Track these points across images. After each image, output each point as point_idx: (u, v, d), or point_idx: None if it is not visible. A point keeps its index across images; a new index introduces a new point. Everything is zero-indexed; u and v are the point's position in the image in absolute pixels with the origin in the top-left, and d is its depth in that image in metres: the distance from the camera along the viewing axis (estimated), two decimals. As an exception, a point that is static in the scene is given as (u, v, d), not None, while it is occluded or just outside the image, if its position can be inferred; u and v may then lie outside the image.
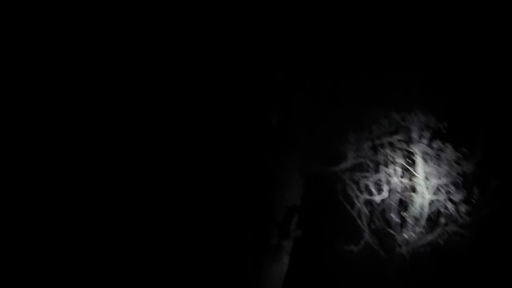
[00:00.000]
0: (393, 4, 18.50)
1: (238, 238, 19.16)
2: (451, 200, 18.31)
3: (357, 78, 18.41)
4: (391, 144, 18.85)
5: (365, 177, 18.81)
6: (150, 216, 19.10)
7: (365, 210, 18.83)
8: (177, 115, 19.10)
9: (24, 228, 18.56)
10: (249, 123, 18.93)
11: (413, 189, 18.73)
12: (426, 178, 18.52)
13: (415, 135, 18.65)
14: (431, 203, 18.53)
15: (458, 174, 18.38)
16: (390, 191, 18.75)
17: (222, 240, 19.28)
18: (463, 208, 18.22)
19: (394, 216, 18.72)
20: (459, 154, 18.35)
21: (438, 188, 18.46)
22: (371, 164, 18.89)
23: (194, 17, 18.73)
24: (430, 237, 18.51)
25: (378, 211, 18.86)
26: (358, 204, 18.84)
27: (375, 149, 18.93)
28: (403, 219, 18.74)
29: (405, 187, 18.76)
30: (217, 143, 19.03)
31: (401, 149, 18.75)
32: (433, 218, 18.59)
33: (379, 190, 18.79)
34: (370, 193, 18.81)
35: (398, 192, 18.76)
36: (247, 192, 19.18)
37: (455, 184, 18.36)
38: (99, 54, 18.99)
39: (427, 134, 18.57)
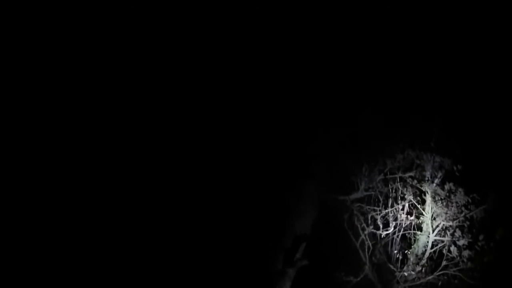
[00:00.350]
0: (413, 44, 18.91)
1: (246, 259, 19.27)
2: (455, 244, 18.45)
3: (377, 114, 18.93)
4: (403, 180, 19.09)
5: (374, 210, 19.05)
6: (165, 227, 19.22)
7: (368, 242, 19.01)
8: (196, 135, 19.40)
9: (24, 228, 18.62)
10: (270, 153, 19.27)
11: (419, 228, 19.00)
12: (433, 218, 18.72)
13: (428, 174, 18.85)
14: (435, 243, 18.74)
15: (466, 218, 18.55)
16: (395, 226, 19.00)
17: (229, 258, 19.31)
18: (466, 253, 18.33)
19: (396, 252, 18.98)
20: (469, 199, 18.52)
21: (443, 230, 18.66)
22: (380, 198, 19.14)
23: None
24: (429, 277, 18.61)
25: (381, 245, 19.06)
26: (362, 236, 19.02)
27: (386, 183, 19.18)
28: (405, 256, 18.99)
29: (411, 224, 19.03)
30: (233, 162, 19.32)
31: (412, 186, 18.97)
32: (435, 259, 18.75)
33: (385, 225, 19.04)
34: (376, 227, 19.03)
35: (403, 229, 19.02)
36: (260, 217, 19.39)
37: (461, 228, 18.53)
38: (99, 54, 19.24)
39: (440, 174, 18.79)
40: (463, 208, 18.57)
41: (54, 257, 18.59)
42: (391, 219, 19.01)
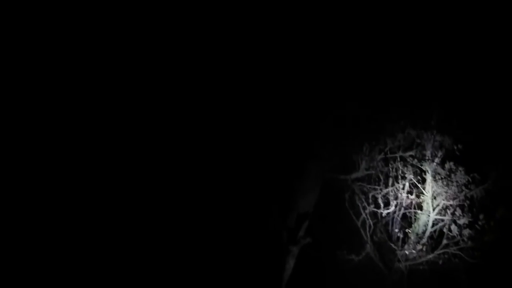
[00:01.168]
0: (414, 35, 19.38)
1: (250, 238, 19.76)
2: (455, 223, 18.89)
3: (379, 97, 19.36)
4: (403, 159, 19.52)
5: (374, 189, 19.53)
6: (158, 217, 19.61)
7: (369, 221, 19.57)
8: (199, 119, 19.80)
9: (24, 228, 18.80)
10: (273, 132, 19.67)
11: (419, 207, 19.49)
12: (434, 198, 19.17)
13: (428, 153, 19.29)
14: (435, 223, 19.23)
15: (466, 197, 18.97)
16: (396, 205, 19.48)
17: (233, 238, 19.74)
18: (466, 232, 18.75)
19: (397, 231, 19.49)
20: (469, 178, 18.92)
21: (444, 209, 19.10)
22: (381, 177, 19.59)
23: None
24: (430, 256, 19.13)
25: (382, 224, 19.62)
26: (363, 215, 19.58)
27: (387, 162, 19.64)
28: (405, 234, 19.52)
29: (412, 203, 19.51)
30: (240, 149, 19.73)
31: (412, 165, 19.39)
32: (435, 238, 19.26)
33: (386, 204, 19.52)
34: (377, 206, 19.53)
35: (404, 208, 19.53)
36: (264, 196, 19.80)
37: (462, 207, 18.95)
38: (99, 54, 19.46)
39: (440, 153, 19.22)
40: (463, 187, 18.96)
41: (54, 257, 18.78)
42: (391, 198, 19.48)
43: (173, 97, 19.67)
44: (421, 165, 19.33)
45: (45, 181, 19.00)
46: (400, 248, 19.35)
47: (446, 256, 19.06)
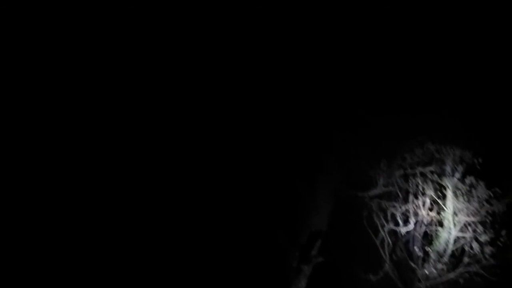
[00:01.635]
0: (433, 45, 19.30)
1: (261, 256, 19.70)
2: (477, 240, 18.51)
3: (396, 111, 19.23)
4: (423, 175, 19.24)
5: (393, 206, 19.22)
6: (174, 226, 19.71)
7: (388, 239, 19.22)
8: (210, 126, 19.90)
9: (24, 228, 18.96)
10: (283, 145, 19.67)
11: (440, 224, 19.10)
12: (455, 214, 18.83)
13: (448, 168, 19.02)
14: (457, 240, 18.82)
15: (488, 213, 18.63)
16: (416, 223, 19.14)
17: (244, 256, 19.74)
18: (488, 249, 18.37)
19: (417, 249, 19.05)
20: (491, 193, 18.61)
21: (465, 225, 18.73)
22: (400, 194, 19.31)
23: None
24: (451, 275, 18.71)
25: (402, 242, 19.26)
26: (382, 233, 19.24)
27: (406, 178, 19.39)
28: (426, 253, 19.07)
29: (432, 220, 19.14)
30: (250, 162, 19.78)
31: (432, 181, 19.10)
32: (457, 256, 18.84)
33: (406, 221, 19.19)
34: (396, 223, 19.20)
35: (424, 225, 19.16)
36: (275, 213, 19.76)
37: (483, 224, 18.59)
38: (99, 54, 19.74)
39: (460, 168, 18.93)
40: (484, 203, 18.65)
41: (54, 257, 18.94)
42: (411, 215, 19.14)
43: (188, 110, 19.85)
44: (441, 180, 19.04)
45: (45, 181, 19.21)
46: (420, 267, 18.90)
47: (467, 274, 18.60)
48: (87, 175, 19.50)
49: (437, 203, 19.12)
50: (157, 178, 19.80)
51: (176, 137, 19.94)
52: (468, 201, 18.74)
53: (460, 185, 18.89)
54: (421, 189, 19.19)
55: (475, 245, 18.54)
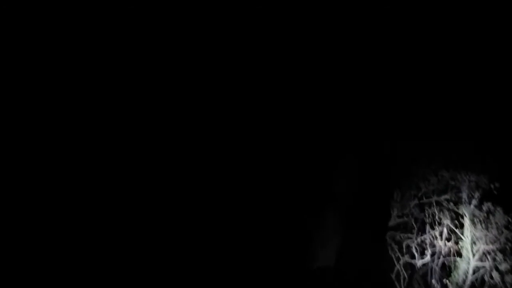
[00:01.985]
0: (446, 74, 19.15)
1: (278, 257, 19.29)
2: (497, 269, 17.65)
3: (407, 139, 19.04)
4: (438, 204, 18.63)
5: (409, 237, 18.62)
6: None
7: (404, 273, 18.50)
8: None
9: (24, 228, 19.07)
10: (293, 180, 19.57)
11: (458, 254, 18.28)
12: (473, 243, 18.04)
13: (464, 196, 18.40)
14: (476, 270, 17.97)
15: (507, 239, 17.79)
16: (433, 254, 18.39)
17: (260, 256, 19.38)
18: (509, 278, 17.47)
19: (435, 282, 18.26)
20: (509, 218, 17.84)
21: (484, 254, 17.90)
22: (415, 224, 18.70)
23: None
24: (471, 308, 17.93)
25: (419, 275, 18.46)
26: (397, 266, 18.57)
27: (421, 208, 18.81)
28: (444, 285, 18.21)
29: (450, 250, 18.34)
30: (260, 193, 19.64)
31: (449, 210, 18.47)
32: (477, 287, 17.96)
33: (422, 253, 18.50)
34: (412, 256, 18.54)
35: (442, 256, 18.37)
36: (282, 248, 19.37)
37: (503, 251, 17.75)
38: (99, 54, 20.02)
39: (477, 194, 18.31)
40: (503, 229, 17.86)
41: (54, 257, 18.98)
42: (428, 246, 18.46)
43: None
44: (458, 208, 18.37)
45: (45, 180, 19.37)
46: (439, 301, 18.17)
47: (488, 305, 17.79)
48: (87, 175, 19.66)
49: (455, 233, 18.35)
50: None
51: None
52: (487, 229, 17.98)
53: (477, 212, 18.21)
54: (437, 219, 18.53)
55: (495, 274, 17.68)
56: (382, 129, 19.14)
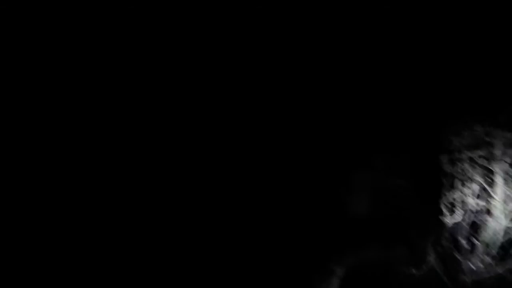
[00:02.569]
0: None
1: (291, 254, 18.76)
2: (528, 230, 17.78)
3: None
4: (471, 160, 18.24)
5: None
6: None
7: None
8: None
9: (24, 228, 18.87)
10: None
11: (489, 212, 18.16)
12: (505, 202, 17.95)
13: (498, 152, 18.07)
14: (507, 231, 17.97)
15: (542, 201, 17.89)
16: (464, 212, 18.14)
17: (275, 253, 18.86)
18: (541, 242, 17.70)
19: (464, 240, 18.12)
20: (544, 178, 17.86)
21: (517, 215, 17.93)
22: (446, 180, 18.32)
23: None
24: (499, 270, 17.87)
25: (448, 232, 18.22)
26: (427, 223, 18.27)
27: (452, 163, 18.34)
28: (473, 244, 18.14)
29: (481, 209, 18.17)
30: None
31: (481, 166, 18.14)
32: (507, 248, 17.97)
33: (451, 210, 18.19)
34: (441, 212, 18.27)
35: (472, 213, 18.19)
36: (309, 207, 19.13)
37: (536, 213, 17.86)
38: (99, 54, 19.84)
39: (511, 152, 18.09)
40: (538, 189, 17.93)
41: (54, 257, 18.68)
42: (458, 203, 18.15)
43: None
44: (490, 165, 18.06)
45: (45, 180, 19.12)
46: (466, 260, 17.99)
47: (517, 270, 17.95)
48: (87, 175, 19.36)
49: (486, 191, 18.12)
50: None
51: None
52: (520, 188, 17.98)
53: (510, 170, 18.01)
54: (468, 175, 18.20)
55: (526, 236, 17.85)
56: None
